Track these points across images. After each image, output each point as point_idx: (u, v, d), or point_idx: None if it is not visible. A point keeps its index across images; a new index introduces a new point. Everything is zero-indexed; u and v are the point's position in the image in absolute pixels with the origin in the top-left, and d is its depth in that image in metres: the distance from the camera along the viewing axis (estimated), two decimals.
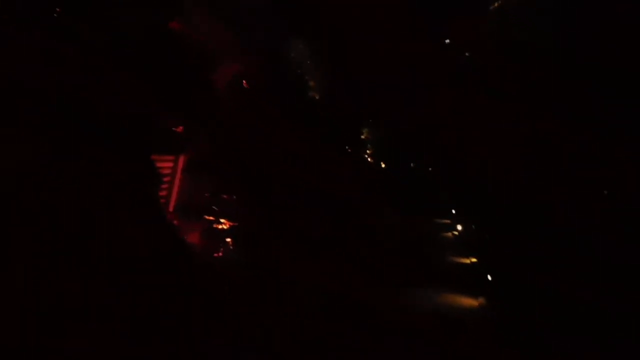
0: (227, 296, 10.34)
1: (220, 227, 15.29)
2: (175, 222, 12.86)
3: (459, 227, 33.70)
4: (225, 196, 15.94)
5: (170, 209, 13.71)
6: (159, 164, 12.19)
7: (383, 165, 39.47)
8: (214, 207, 15.44)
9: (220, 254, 14.65)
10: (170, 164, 13.61)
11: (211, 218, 15.23)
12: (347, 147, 35.36)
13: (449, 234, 33.89)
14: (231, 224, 15.54)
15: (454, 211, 36.28)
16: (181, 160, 13.94)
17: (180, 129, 12.97)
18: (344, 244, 19.03)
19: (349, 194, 25.24)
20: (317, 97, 30.89)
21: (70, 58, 8.11)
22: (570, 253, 21.48)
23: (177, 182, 13.86)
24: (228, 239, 15.24)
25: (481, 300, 21.35)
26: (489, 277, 23.07)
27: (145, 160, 10.29)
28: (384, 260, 19.36)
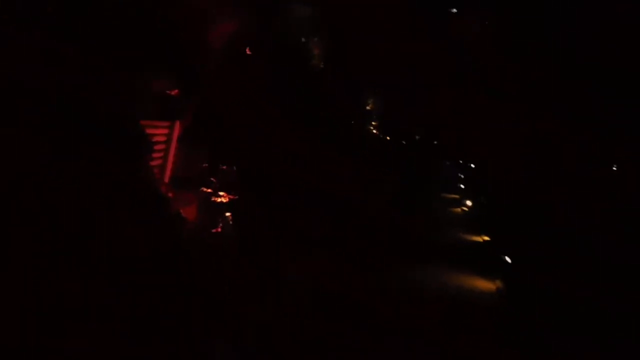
0: (227, 296, 10.34)
1: (218, 200, 13.92)
2: (170, 194, 11.38)
3: (469, 203, 31.56)
4: (224, 167, 14.52)
5: (166, 180, 12.21)
6: (152, 131, 10.91)
7: (388, 138, 39.33)
8: (212, 178, 14.05)
9: (219, 229, 13.33)
10: (165, 131, 12.06)
11: (209, 190, 13.88)
12: (352, 121, 34.47)
13: (458, 209, 31.78)
14: (231, 197, 14.16)
15: (462, 186, 35.03)
16: (177, 126, 12.32)
17: (175, 92, 11.69)
18: (344, 244, 19.05)
19: (349, 194, 25.28)
20: (317, 87, 30.52)
21: (70, 58, 8.10)
22: (570, 253, 21.53)
23: (172, 150, 12.32)
24: (227, 214, 13.84)
25: (498, 283, 20.01)
26: (507, 259, 21.52)
27: (137, 128, 9.46)
28: (384, 260, 19.38)
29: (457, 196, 33.58)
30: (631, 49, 20.45)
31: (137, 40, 10.15)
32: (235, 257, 12.98)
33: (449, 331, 14.55)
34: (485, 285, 19.80)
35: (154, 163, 11.38)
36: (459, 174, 36.29)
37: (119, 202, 7.08)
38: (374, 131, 40.84)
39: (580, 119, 22.34)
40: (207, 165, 14.08)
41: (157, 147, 11.53)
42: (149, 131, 10.70)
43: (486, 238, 25.24)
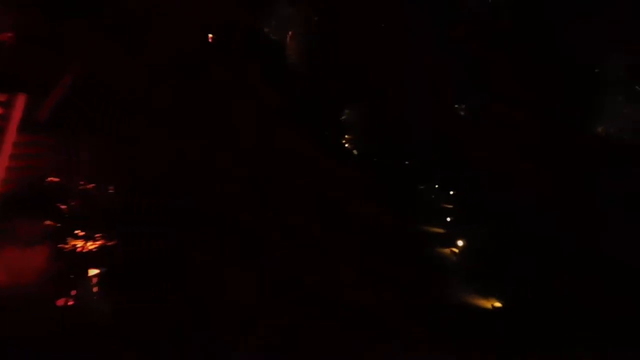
0: (227, 296, 10.35)
1: (81, 245, 7.70)
2: None
3: (460, 243, 23.11)
4: (90, 185, 8.40)
5: None
6: None
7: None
8: (75, 202, 7.95)
9: (71, 301, 6.81)
10: None
11: (60, 224, 7.75)
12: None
13: (447, 250, 23.51)
14: (104, 241, 7.98)
15: (449, 219, 26.99)
16: (18, 104, 7.32)
17: (7, 37, 7.15)
18: (344, 244, 19.05)
19: (349, 194, 25.26)
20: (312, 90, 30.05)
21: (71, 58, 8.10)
22: (570, 253, 21.52)
23: (6, 147, 7.31)
24: (93, 271, 7.45)
25: None
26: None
27: None
28: (384, 261, 19.38)
29: (441, 230, 25.36)
30: (631, 48, 20.48)
31: None
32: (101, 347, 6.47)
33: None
34: None
35: None
36: (441, 198, 28.44)
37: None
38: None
39: (580, 118, 22.37)
40: (60, 179, 7.94)
41: None
42: None
43: (497, 304, 18.10)
